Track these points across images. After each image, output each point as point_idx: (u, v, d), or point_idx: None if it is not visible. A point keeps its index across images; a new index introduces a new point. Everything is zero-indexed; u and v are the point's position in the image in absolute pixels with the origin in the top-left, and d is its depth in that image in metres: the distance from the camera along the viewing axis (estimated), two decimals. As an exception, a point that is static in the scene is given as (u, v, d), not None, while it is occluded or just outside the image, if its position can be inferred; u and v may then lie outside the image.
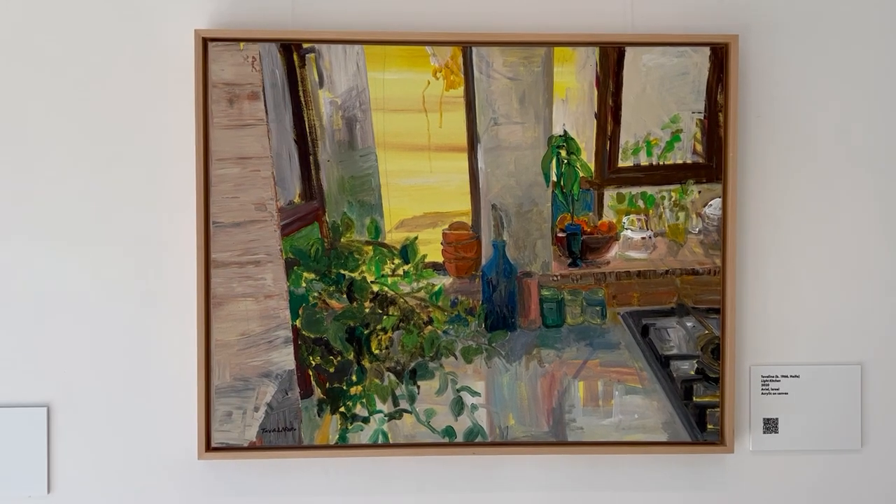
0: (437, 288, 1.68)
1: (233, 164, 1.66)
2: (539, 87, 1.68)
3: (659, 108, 1.71)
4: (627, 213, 1.71)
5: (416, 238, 1.69)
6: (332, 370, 1.69)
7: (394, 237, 1.68)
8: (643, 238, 1.72)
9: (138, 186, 1.71)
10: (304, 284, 1.68)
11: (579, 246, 1.67)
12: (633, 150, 1.71)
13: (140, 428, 1.73)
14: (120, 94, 1.71)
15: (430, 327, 1.69)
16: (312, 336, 1.69)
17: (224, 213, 1.66)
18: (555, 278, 1.68)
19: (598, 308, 1.70)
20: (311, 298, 1.68)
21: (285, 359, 1.69)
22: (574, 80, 1.69)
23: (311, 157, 1.66)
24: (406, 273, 1.68)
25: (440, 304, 1.69)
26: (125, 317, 1.73)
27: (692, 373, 1.72)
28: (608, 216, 1.71)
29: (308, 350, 1.69)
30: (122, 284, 1.72)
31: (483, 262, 1.67)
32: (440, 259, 1.67)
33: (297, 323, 1.69)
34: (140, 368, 1.73)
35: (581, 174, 1.69)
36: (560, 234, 1.68)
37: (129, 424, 1.73)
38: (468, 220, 1.69)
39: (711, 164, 1.72)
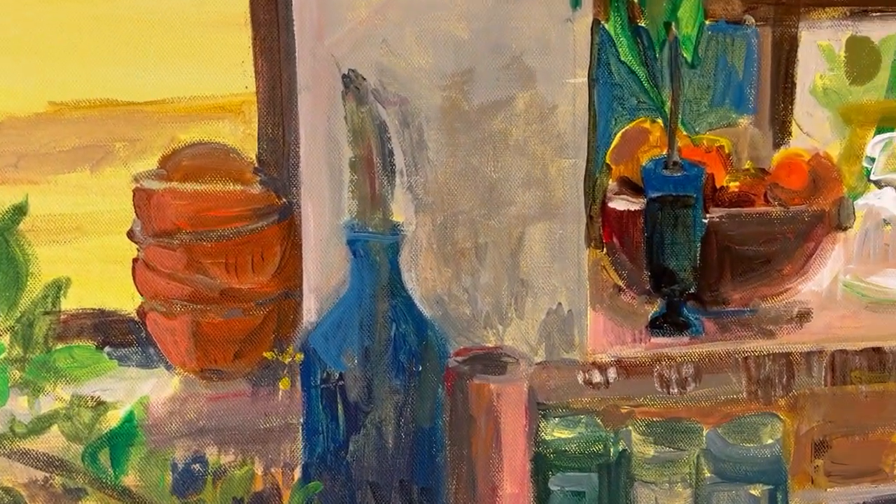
0: (105, 426, 0.72)
1: None
2: None
3: None
4: (880, 125, 0.90)
5: (21, 206, 0.70)
6: None
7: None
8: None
9: None
10: None
11: (697, 248, 0.79)
12: None
13: None
14: None
15: None
16: None
17: None
18: (603, 378, 0.83)
19: (758, 487, 0.83)
20: None
21: None
22: None
23: None
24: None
25: (116, 486, 0.73)
26: None
27: None
28: (811, 131, 0.89)
29: None
30: None
31: (310, 314, 0.76)
32: (128, 305, 0.77)
33: None
34: None
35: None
36: (619, 201, 0.81)
37: None
38: (246, 138, 0.79)
39: None
